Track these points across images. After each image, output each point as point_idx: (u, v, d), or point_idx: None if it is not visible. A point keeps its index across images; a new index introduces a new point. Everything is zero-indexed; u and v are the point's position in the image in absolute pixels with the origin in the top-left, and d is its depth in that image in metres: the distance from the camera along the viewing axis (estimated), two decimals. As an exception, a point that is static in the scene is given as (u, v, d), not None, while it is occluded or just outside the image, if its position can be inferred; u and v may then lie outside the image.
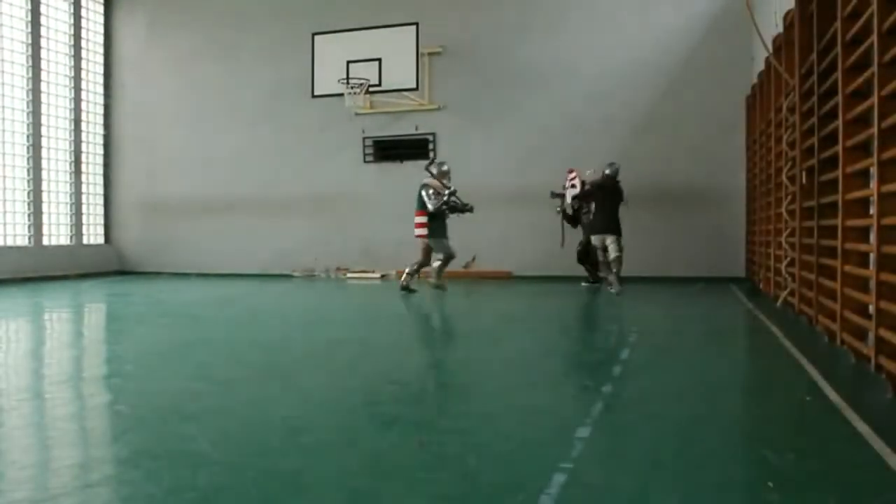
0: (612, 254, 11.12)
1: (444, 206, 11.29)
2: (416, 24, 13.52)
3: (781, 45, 8.65)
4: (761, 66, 10.55)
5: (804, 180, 7.45)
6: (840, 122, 5.73)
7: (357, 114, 14.98)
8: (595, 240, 11.46)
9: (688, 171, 13.51)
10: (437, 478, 3.03)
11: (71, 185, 16.12)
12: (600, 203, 11.59)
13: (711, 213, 13.44)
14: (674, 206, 13.58)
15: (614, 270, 11.10)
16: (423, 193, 11.26)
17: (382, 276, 14.39)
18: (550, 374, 5.42)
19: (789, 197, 8.07)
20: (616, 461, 3.27)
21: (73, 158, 16.16)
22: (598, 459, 3.28)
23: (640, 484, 2.97)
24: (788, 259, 8.18)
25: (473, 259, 14.50)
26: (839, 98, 5.76)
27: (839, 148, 5.77)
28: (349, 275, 14.86)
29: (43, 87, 15.23)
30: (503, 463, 3.22)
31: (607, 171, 11.62)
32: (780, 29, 8.67)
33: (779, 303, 8.54)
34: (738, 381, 5.39)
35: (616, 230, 11.23)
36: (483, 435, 3.66)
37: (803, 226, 7.55)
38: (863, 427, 3.66)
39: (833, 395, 4.34)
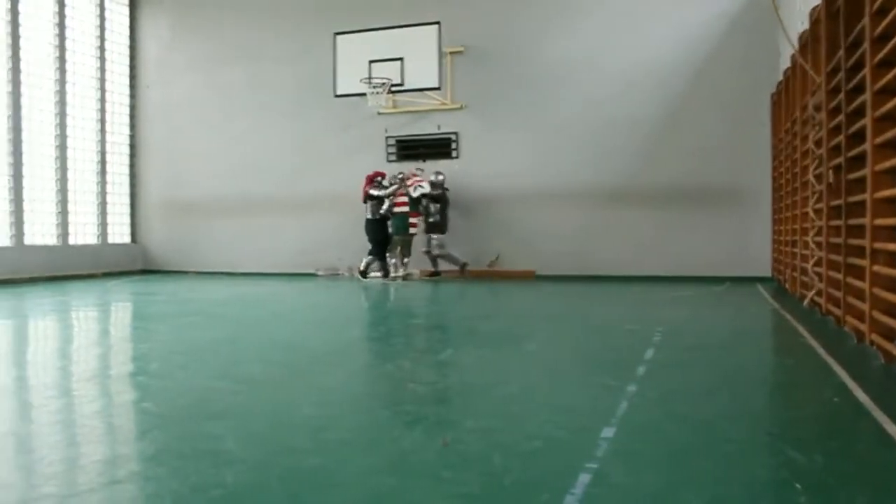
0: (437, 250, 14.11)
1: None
2: (438, 23, 13.53)
3: (808, 42, 8.56)
4: (787, 64, 10.45)
5: (831, 179, 7.37)
6: (868, 119, 5.65)
7: (379, 113, 15.01)
8: (442, 239, 14.03)
9: (712, 170, 13.41)
10: (460, 477, 3.03)
11: (97, 185, 16.30)
12: (444, 208, 14.11)
13: (737, 212, 13.33)
14: (698, 205, 13.49)
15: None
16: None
17: (406, 276, 14.39)
18: (574, 373, 5.39)
19: (816, 196, 7.98)
20: (641, 461, 3.24)
21: (99, 159, 16.33)
22: (623, 459, 3.25)
23: (665, 484, 2.94)
24: (815, 258, 8.09)
25: (497, 258, 14.50)
26: (867, 95, 5.68)
27: (867, 146, 5.70)
28: (372, 274, 14.88)
29: (69, 88, 15.41)
30: (527, 462, 3.21)
31: (440, 179, 14.15)
32: (806, 25, 8.58)
33: (805, 303, 8.45)
34: (764, 381, 5.34)
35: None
36: (507, 434, 3.64)
37: (830, 225, 7.46)
38: (892, 429, 3.61)
39: (862, 396, 4.29)
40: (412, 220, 14.02)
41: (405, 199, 13.95)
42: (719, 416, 4.00)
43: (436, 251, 14.05)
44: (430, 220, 14.05)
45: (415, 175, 14.21)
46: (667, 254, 13.62)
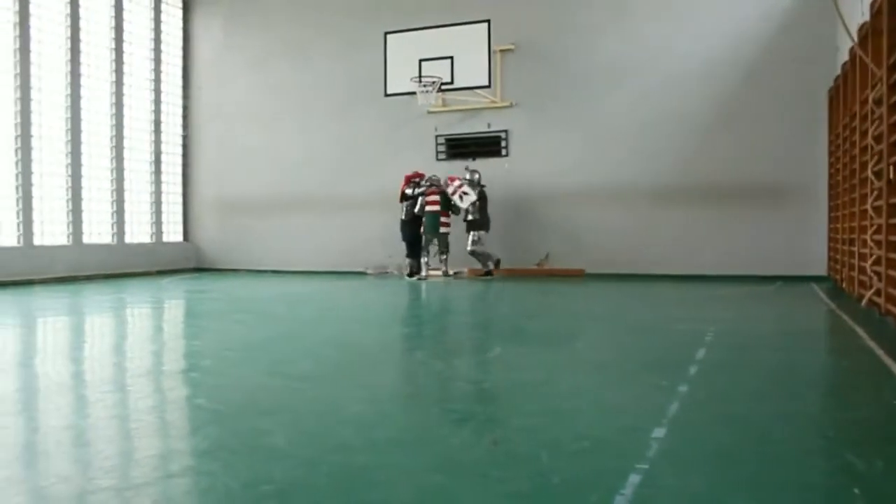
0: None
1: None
2: (488, 21, 13.51)
3: (868, 34, 8.33)
4: (845, 57, 10.20)
5: (892, 175, 7.17)
6: (931, 114, 5.48)
7: (429, 112, 15.06)
8: (482, 235, 13.96)
9: (766, 167, 13.17)
10: (509, 476, 3.01)
11: (151, 185, 16.63)
12: (484, 205, 14.07)
13: (791, 210, 13.07)
14: (752, 202, 13.26)
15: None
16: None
17: (455, 274, 14.40)
18: (624, 373, 5.33)
19: (875, 193, 7.77)
20: (692, 463, 3.19)
21: (153, 159, 16.66)
22: (673, 460, 3.21)
23: (716, 486, 2.89)
24: (874, 257, 7.88)
25: (546, 257, 14.44)
26: (930, 89, 5.51)
27: (930, 141, 5.53)
28: (424, 273, 14.92)
29: (125, 90, 15.75)
30: (576, 462, 3.18)
31: (476, 177, 14.07)
32: (867, 17, 8.35)
33: (863, 303, 8.24)
34: (819, 383, 5.22)
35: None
36: (556, 433, 3.62)
37: (890, 223, 7.27)
38: (956, 432, 3.50)
39: (923, 399, 4.17)
40: (443, 219, 13.97)
41: (437, 198, 13.91)
42: (773, 418, 3.92)
43: (470, 247, 13.99)
44: (469, 217, 13.98)
45: (454, 180, 14.04)
46: (719, 252, 13.41)
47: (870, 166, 7.91)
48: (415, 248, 14.27)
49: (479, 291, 11.91)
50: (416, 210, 14.02)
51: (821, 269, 12.74)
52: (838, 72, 11.15)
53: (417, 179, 14.25)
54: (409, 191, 14.18)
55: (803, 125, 12.93)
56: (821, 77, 12.49)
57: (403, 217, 14.25)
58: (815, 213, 12.84)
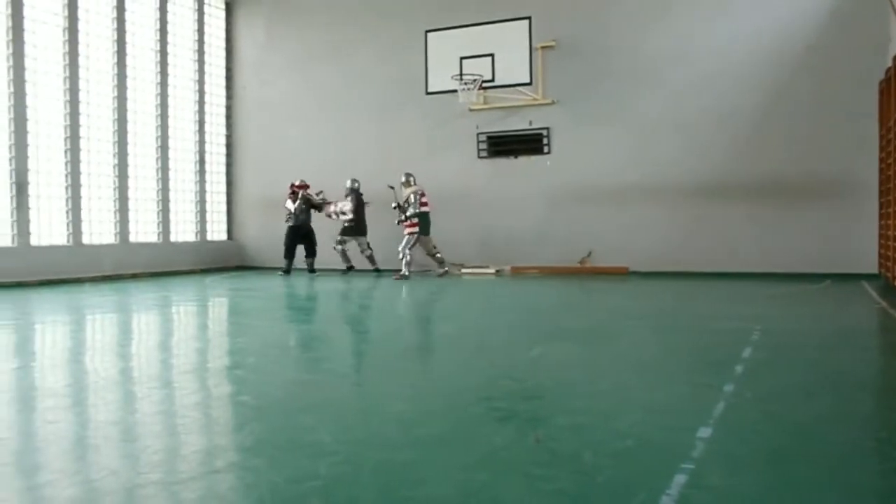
0: (369, 250, 15.06)
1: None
2: (529, 18, 13.45)
3: (919, 27, 8.13)
4: (896, 50, 9.97)
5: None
6: None
7: (471, 110, 15.03)
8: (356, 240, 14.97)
9: (812, 163, 12.92)
10: (553, 474, 3.00)
11: (196, 184, 16.86)
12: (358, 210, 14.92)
13: (839, 206, 12.80)
14: (798, 198, 13.02)
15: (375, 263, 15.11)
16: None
17: (497, 272, 14.38)
18: (669, 372, 5.27)
19: (927, 188, 7.58)
20: (739, 463, 3.14)
21: (197, 159, 16.89)
22: (720, 461, 3.16)
23: (764, 488, 2.84)
24: (926, 254, 7.69)
25: (589, 255, 14.33)
26: None
27: None
28: (464, 270, 14.92)
29: (170, 90, 15.98)
30: (621, 462, 3.15)
31: (355, 185, 14.93)
32: (918, 9, 8.15)
33: (916, 300, 8.05)
34: (869, 382, 5.10)
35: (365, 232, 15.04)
36: (600, 432, 3.59)
37: (943, 218, 7.08)
38: None
39: (979, 399, 4.05)
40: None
41: (425, 198, 14.25)
42: (822, 419, 3.84)
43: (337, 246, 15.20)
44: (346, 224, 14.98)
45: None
46: (764, 250, 13.20)
47: (922, 161, 7.72)
48: (293, 252, 15.11)
49: (520, 288, 11.86)
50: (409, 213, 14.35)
51: (872, 266, 12.46)
52: (889, 63, 10.89)
53: (300, 191, 15.14)
54: (289, 205, 15.11)
55: (852, 120, 12.64)
56: (871, 70, 12.21)
57: (293, 223, 15.09)
58: (865, 208, 12.55)
